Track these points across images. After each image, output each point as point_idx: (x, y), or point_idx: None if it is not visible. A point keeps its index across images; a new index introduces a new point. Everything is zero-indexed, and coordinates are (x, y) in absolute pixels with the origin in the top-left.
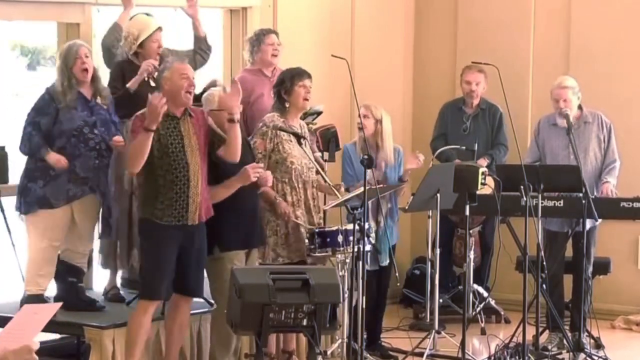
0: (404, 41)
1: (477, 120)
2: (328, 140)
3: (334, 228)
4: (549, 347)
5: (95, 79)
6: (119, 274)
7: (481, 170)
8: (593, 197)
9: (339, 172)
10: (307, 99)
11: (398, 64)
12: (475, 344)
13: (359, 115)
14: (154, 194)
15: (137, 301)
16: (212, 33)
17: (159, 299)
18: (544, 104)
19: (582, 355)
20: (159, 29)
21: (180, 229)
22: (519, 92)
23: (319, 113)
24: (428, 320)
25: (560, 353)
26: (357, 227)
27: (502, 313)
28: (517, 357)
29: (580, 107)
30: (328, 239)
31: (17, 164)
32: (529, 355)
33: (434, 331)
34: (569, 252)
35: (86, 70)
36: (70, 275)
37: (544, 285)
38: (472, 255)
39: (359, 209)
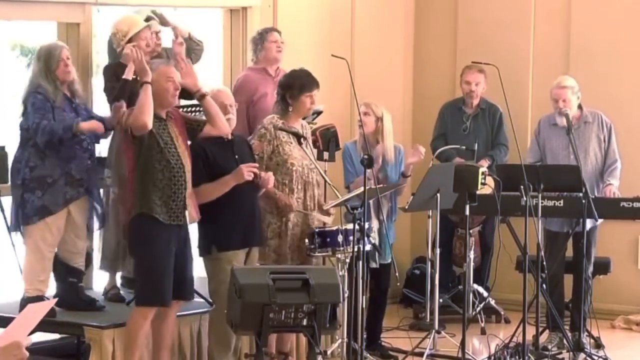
0: (404, 41)
1: (477, 120)
2: (328, 140)
3: (334, 228)
4: (549, 347)
5: (73, 80)
6: (119, 273)
7: (481, 170)
8: (593, 197)
9: (339, 171)
10: (310, 108)
11: (398, 64)
12: (475, 344)
13: (359, 113)
14: (152, 190)
15: (135, 306)
16: (212, 33)
17: (165, 305)
18: (544, 104)
19: (582, 355)
20: (148, 27)
21: (175, 229)
22: (519, 92)
23: (319, 113)
24: (428, 320)
25: (560, 353)
26: (357, 227)
27: (502, 313)
28: (517, 357)
29: (580, 107)
30: (328, 239)
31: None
32: (529, 355)
33: (434, 331)
34: (569, 252)
35: (69, 72)
36: (70, 276)
37: (544, 285)
38: (472, 255)
39: (359, 209)
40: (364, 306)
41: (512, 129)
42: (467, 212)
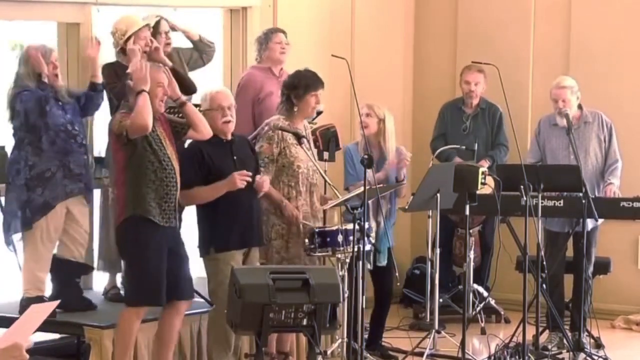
0: (404, 41)
1: (476, 120)
2: (328, 140)
3: (334, 228)
4: (549, 347)
5: (61, 84)
6: (119, 273)
7: (481, 170)
8: (593, 197)
9: (339, 172)
10: (315, 108)
11: (398, 64)
12: (475, 343)
13: (361, 114)
14: (145, 191)
15: (126, 306)
16: (212, 33)
17: (157, 305)
18: (544, 104)
19: (582, 355)
20: (147, 26)
21: (168, 230)
22: (519, 92)
23: (319, 113)
24: (428, 320)
25: (560, 353)
26: (357, 227)
27: (502, 313)
28: (517, 357)
29: (580, 107)
30: (328, 239)
31: None
32: (529, 355)
33: (434, 331)
34: (569, 252)
35: (57, 75)
36: (69, 275)
37: (544, 285)
38: (472, 255)
39: (359, 209)
40: (364, 306)
41: (512, 129)
42: (467, 212)
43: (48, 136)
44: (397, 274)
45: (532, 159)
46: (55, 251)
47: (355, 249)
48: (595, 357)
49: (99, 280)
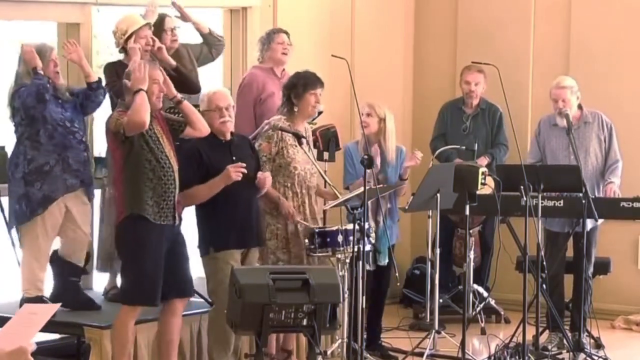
0: (404, 41)
1: (476, 120)
2: (328, 140)
3: (334, 228)
4: (549, 347)
5: (61, 82)
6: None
7: (481, 170)
8: (593, 197)
9: (340, 172)
10: (315, 107)
11: (398, 64)
12: (475, 344)
13: (362, 114)
14: (143, 189)
15: (122, 305)
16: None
17: (152, 305)
18: (544, 104)
19: (582, 355)
20: (148, 24)
21: (166, 229)
22: (519, 92)
23: (319, 113)
24: (428, 320)
25: (560, 353)
26: (357, 227)
27: (502, 313)
28: (517, 357)
29: (580, 107)
30: (328, 239)
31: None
32: (529, 355)
33: (434, 331)
34: (569, 252)
35: (58, 73)
36: (69, 274)
37: (544, 285)
38: (472, 255)
39: (359, 209)
40: (364, 306)
41: (512, 129)
42: (467, 212)
43: (46, 130)
44: (397, 274)
45: (532, 159)
46: (57, 249)
47: (356, 249)
48: (595, 357)
49: (99, 280)
